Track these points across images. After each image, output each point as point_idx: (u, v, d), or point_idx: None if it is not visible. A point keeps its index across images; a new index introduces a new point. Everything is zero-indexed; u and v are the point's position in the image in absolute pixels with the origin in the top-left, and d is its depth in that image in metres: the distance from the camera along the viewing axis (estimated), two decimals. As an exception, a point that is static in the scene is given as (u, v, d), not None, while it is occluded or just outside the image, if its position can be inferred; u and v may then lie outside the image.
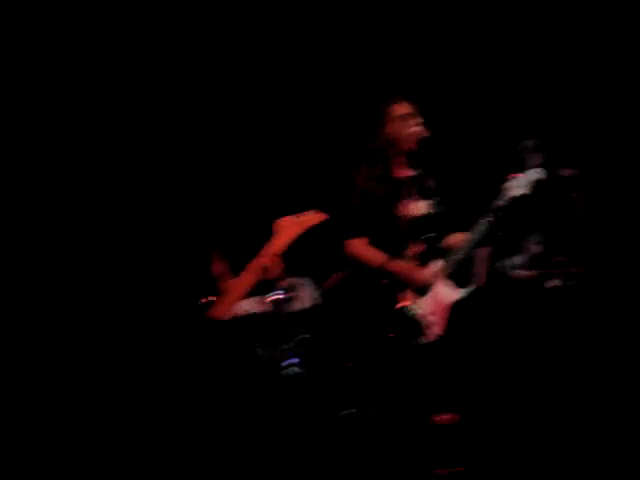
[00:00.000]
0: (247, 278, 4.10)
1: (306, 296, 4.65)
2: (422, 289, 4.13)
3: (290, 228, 4.13)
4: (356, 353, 4.24)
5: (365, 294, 4.19)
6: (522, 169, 4.19)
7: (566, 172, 4.95)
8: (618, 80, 5.44)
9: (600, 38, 5.42)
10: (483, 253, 5.13)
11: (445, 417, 4.40)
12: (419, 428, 4.15)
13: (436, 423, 4.35)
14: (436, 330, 4.12)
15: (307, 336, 4.51)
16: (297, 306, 4.53)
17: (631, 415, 4.41)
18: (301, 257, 4.44)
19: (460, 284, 4.24)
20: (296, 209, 4.22)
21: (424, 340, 4.09)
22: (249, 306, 4.31)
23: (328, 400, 4.36)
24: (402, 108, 4.20)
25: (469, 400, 4.51)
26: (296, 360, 4.35)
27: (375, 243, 4.17)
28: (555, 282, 4.99)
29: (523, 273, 5.08)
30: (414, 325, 4.08)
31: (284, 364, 4.28)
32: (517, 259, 5.07)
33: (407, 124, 4.18)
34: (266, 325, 4.35)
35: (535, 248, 5.07)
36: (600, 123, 5.44)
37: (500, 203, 4.09)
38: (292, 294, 4.49)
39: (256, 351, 4.28)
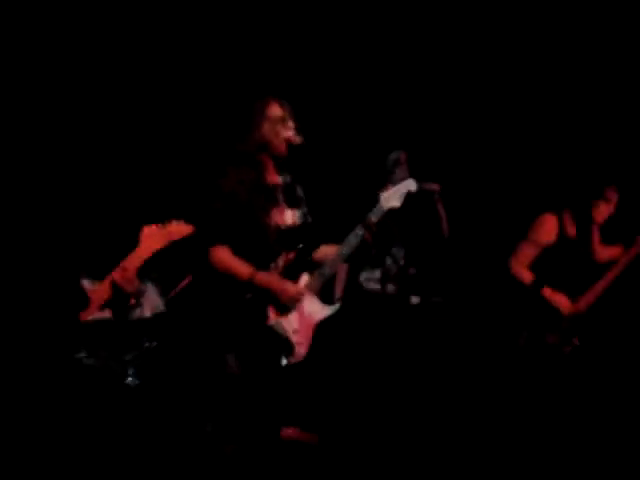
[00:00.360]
0: (104, 289, 3.77)
1: (150, 303, 4.41)
2: (288, 305, 3.87)
3: (154, 239, 3.80)
4: (206, 363, 3.98)
5: (226, 307, 3.89)
6: (393, 181, 4.05)
7: (430, 186, 4.91)
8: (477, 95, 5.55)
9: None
10: (343, 266, 4.99)
11: (293, 432, 4.25)
12: (267, 443, 3.94)
13: (284, 438, 4.18)
14: (301, 349, 3.88)
15: (150, 344, 4.26)
16: (141, 314, 4.28)
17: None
18: (151, 262, 4.16)
19: (326, 300, 4.02)
20: (160, 210, 3.91)
21: (289, 360, 3.85)
22: (98, 315, 3.98)
23: (168, 412, 4.12)
24: (276, 110, 3.91)
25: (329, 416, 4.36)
26: (137, 370, 4.16)
27: (240, 252, 3.87)
28: (415, 297, 4.95)
29: (383, 287, 4.99)
30: (280, 344, 3.83)
31: (125, 373, 4.12)
32: (377, 272, 4.96)
33: (280, 127, 3.88)
34: (110, 334, 4.14)
35: (396, 261, 4.98)
36: (465, 138, 5.50)
37: (373, 216, 3.87)
38: (137, 301, 4.22)
39: (93, 360, 4.08)
